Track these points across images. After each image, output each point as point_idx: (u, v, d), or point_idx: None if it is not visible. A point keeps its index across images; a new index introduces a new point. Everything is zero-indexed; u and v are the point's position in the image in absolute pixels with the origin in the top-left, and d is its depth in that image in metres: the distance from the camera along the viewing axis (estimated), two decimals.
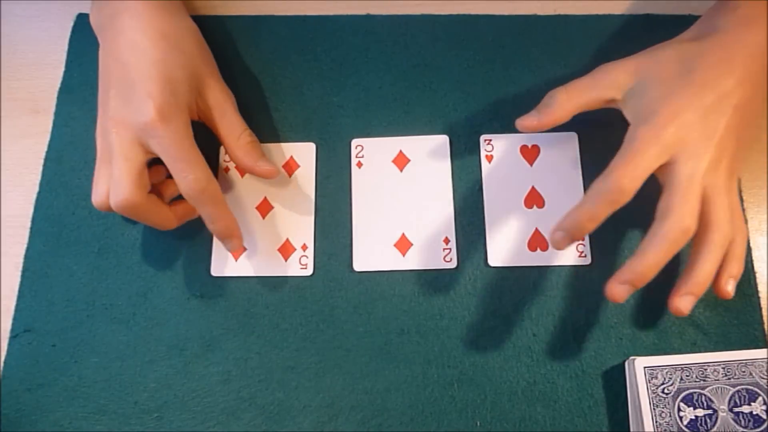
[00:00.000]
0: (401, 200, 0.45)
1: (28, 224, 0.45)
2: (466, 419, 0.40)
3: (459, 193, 0.45)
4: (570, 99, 0.41)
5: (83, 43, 0.50)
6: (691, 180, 0.36)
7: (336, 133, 0.47)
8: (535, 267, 0.43)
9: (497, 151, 0.46)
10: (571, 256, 0.43)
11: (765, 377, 0.39)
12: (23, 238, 0.45)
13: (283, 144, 0.47)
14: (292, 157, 0.46)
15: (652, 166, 0.36)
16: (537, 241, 0.44)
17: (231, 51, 0.49)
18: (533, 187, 0.45)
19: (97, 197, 0.40)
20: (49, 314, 0.43)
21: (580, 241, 0.43)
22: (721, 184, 0.37)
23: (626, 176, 0.36)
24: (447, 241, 0.44)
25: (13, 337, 0.43)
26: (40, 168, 0.47)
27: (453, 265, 0.43)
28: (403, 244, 0.44)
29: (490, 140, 0.46)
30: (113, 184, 0.39)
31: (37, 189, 0.46)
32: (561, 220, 0.38)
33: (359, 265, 0.44)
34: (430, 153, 0.46)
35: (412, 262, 0.44)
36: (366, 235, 0.44)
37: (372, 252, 0.44)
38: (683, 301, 0.37)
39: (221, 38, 0.50)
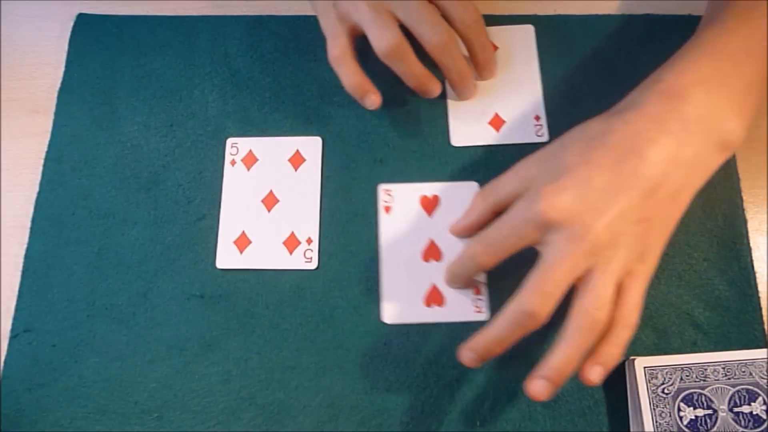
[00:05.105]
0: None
1: (28, 224, 0.45)
2: (466, 419, 0.40)
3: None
4: (485, 200, 0.40)
5: (83, 43, 0.50)
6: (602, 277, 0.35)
7: (336, 132, 0.47)
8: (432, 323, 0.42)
9: (396, 201, 0.45)
10: None
11: (765, 377, 0.39)
12: (23, 238, 0.45)
13: (289, 137, 0.47)
14: (298, 150, 0.46)
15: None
16: (433, 297, 0.42)
17: (232, 51, 0.49)
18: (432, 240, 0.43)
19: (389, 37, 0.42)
20: (49, 314, 0.43)
21: None
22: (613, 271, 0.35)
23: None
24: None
25: (13, 337, 0.43)
26: (40, 168, 0.46)
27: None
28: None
29: (389, 190, 0.45)
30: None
31: (37, 189, 0.46)
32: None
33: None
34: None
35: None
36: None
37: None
38: (535, 385, 0.35)
39: (222, 38, 0.50)
